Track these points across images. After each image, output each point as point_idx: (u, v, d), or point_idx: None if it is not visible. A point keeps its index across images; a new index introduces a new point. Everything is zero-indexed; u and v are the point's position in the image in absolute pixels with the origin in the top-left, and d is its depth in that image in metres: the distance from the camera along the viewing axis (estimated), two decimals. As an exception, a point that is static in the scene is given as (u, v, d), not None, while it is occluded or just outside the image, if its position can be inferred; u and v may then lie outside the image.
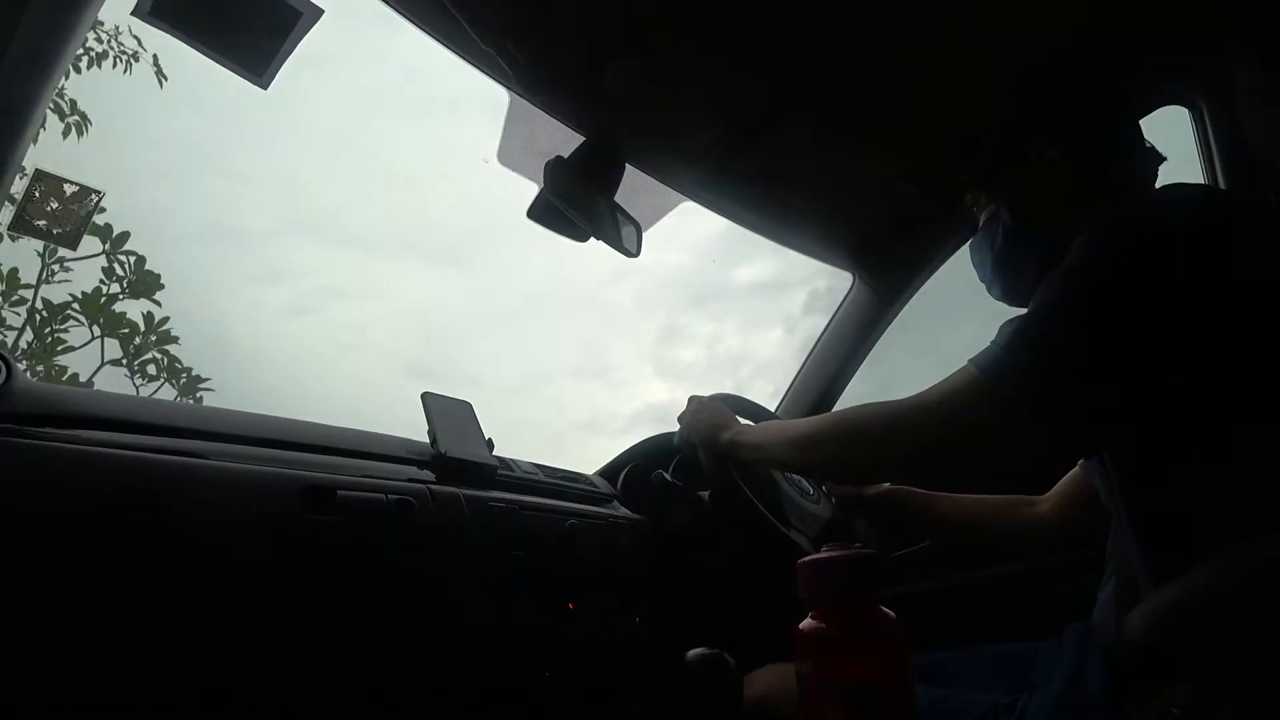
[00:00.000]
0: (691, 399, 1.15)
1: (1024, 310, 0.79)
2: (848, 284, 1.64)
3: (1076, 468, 1.11)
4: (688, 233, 1.29)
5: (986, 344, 0.78)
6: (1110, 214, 0.77)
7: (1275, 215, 1.02)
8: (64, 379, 3.01)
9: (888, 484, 1.27)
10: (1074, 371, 0.71)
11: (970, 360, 0.77)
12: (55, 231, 0.91)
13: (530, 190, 1.15)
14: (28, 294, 2.98)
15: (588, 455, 1.25)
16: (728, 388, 1.41)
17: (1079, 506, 1.09)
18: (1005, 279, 1.00)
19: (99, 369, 3.19)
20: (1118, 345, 0.69)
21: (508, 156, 1.21)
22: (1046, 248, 0.89)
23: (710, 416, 1.09)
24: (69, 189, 0.88)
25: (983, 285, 1.05)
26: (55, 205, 0.87)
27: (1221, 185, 1.11)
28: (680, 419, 1.15)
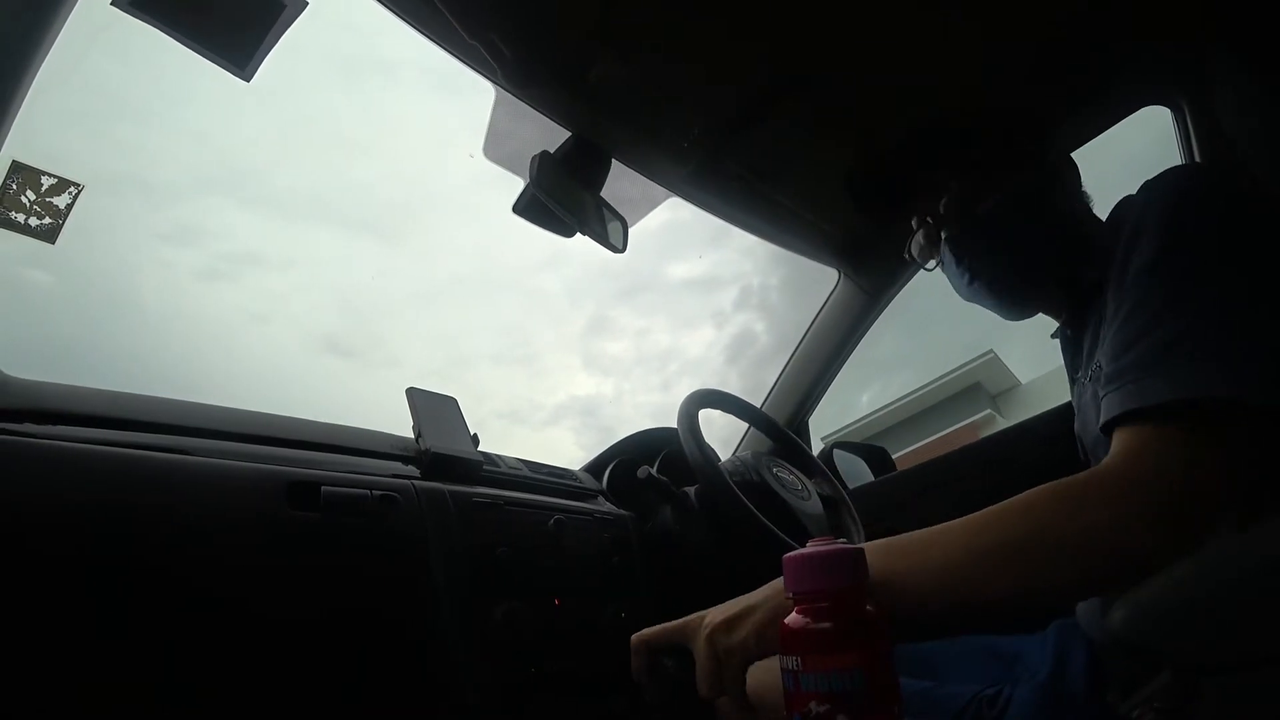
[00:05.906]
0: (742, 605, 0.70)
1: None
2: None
3: None
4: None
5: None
6: (1138, 200, 0.72)
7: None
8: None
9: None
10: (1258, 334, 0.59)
11: (1121, 421, 0.61)
12: (33, 224, 0.89)
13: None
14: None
15: (510, 447, 1.23)
16: (654, 385, 1.39)
17: None
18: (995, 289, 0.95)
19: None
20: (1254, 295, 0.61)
21: (493, 151, 1.20)
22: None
23: None
24: (47, 181, 0.86)
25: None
26: (32, 197, 0.86)
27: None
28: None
